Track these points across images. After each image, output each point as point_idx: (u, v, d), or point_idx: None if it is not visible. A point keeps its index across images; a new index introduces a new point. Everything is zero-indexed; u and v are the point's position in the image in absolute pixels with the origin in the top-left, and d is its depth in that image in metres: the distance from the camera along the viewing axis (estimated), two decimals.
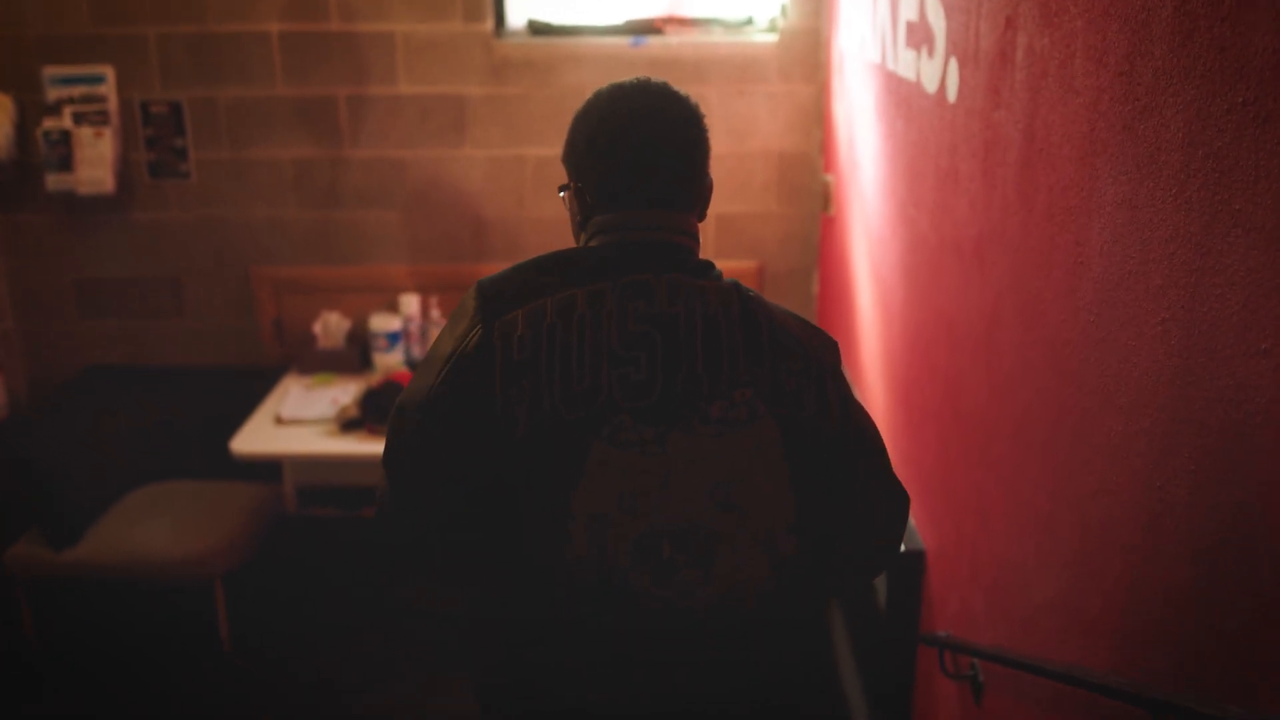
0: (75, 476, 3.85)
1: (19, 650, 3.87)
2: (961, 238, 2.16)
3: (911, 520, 2.62)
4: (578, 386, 1.37)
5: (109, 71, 4.04)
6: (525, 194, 4.18)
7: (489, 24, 4.00)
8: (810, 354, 1.46)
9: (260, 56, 4.04)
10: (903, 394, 2.74)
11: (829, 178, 3.88)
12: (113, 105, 4.06)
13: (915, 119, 2.55)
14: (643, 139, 1.48)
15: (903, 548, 2.51)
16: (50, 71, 4.03)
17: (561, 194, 1.60)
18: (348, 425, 3.74)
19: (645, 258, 1.46)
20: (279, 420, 3.82)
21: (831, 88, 3.82)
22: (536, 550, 1.41)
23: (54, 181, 4.07)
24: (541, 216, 4.19)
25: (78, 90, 4.04)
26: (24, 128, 4.09)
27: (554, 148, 4.10)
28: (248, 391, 4.12)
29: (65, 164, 4.05)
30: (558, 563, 1.40)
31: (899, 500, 1.59)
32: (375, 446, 3.66)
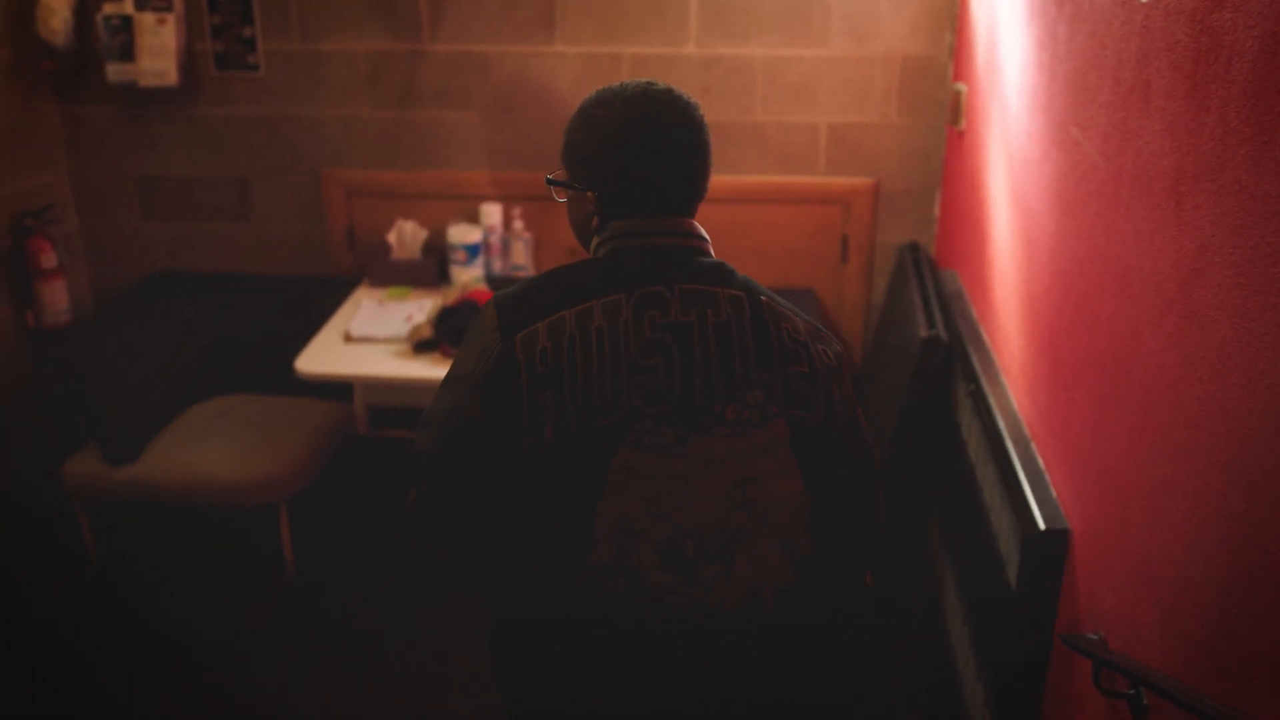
0: (135, 390, 3.64)
1: (79, 567, 3.72)
2: (1150, 170, 1.76)
3: (1052, 490, 2.26)
4: (599, 396, 1.42)
5: None
6: None
7: None
8: (817, 359, 1.52)
9: None
10: (1047, 342, 2.36)
11: (961, 87, 3.44)
12: None
13: (1086, 20, 2.12)
14: (661, 152, 1.53)
15: (1041, 525, 2.16)
16: None
17: (552, 187, 1.62)
18: (420, 346, 3.46)
19: (660, 265, 1.51)
20: (348, 338, 3.55)
21: None
22: (562, 555, 1.45)
23: (115, 72, 3.79)
24: None
25: None
26: (83, 13, 3.81)
27: (653, 45, 3.71)
28: (318, 302, 3.86)
29: (126, 53, 3.77)
30: (581, 568, 1.44)
31: (878, 510, 1.63)
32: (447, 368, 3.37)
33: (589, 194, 1.55)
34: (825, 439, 1.51)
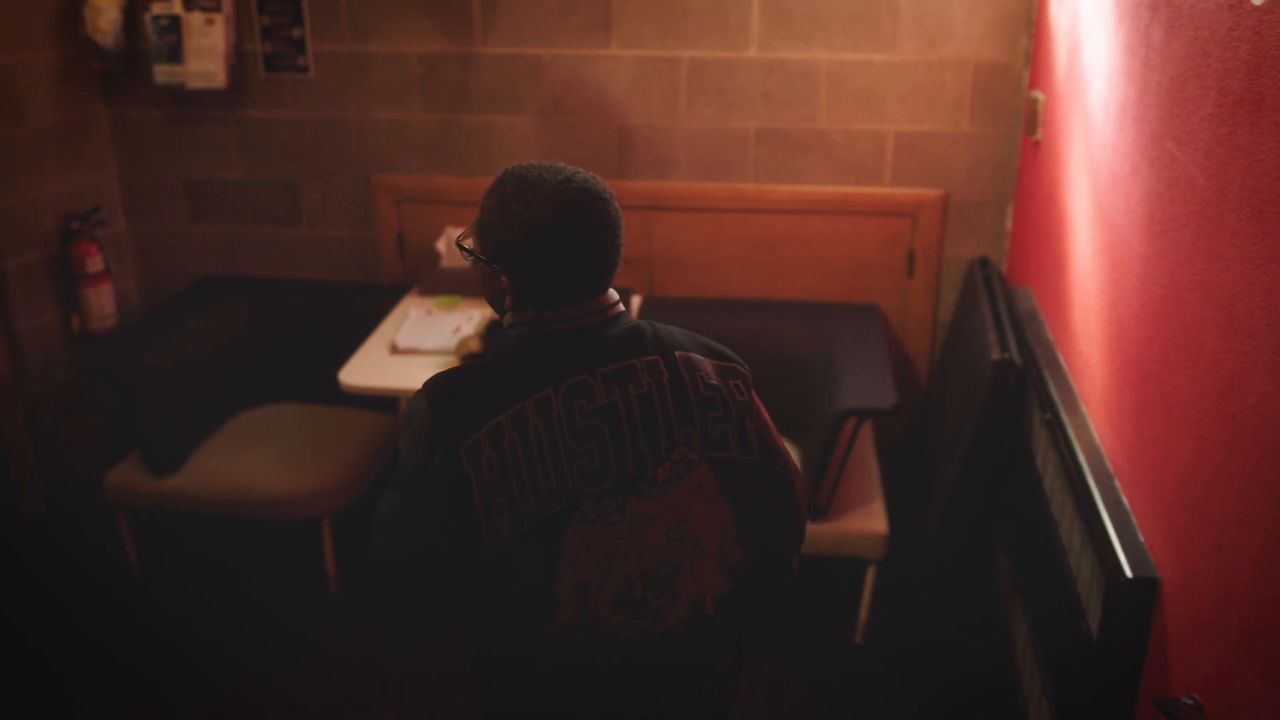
0: (179, 399, 3.56)
1: (121, 577, 3.65)
2: (1262, 190, 1.59)
3: (1139, 534, 2.09)
4: (546, 487, 1.55)
5: None
6: (678, 101, 3.66)
7: None
8: (729, 399, 1.67)
9: None
10: (1136, 373, 2.18)
11: (1038, 95, 3.26)
12: None
13: (1185, 25, 1.95)
14: (579, 249, 1.57)
15: (1128, 572, 1.99)
16: None
17: (467, 257, 1.64)
18: (469, 359, 3.35)
19: (580, 350, 1.60)
20: (394, 349, 3.44)
21: None
22: (527, 619, 1.60)
23: (162, 74, 3.72)
24: (696, 128, 3.67)
25: None
26: (132, 13, 3.74)
27: (714, 49, 3.57)
28: (366, 310, 3.76)
29: (175, 54, 3.69)
30: (545, 630, 1.60)
31: (796, 504, 1.81)
32: None
33: (504, 278, 1.59)
34: (742, 467, 1.68)
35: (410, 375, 3.30)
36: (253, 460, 3.51)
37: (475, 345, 3.34)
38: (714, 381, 1.66)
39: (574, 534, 1.56)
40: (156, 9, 3.67)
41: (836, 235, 3.73)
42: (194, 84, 3.71)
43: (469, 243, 1.65)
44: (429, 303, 3.78)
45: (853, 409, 3.08)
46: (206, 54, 3.68)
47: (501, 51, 3.68)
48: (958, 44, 3.46)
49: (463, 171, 3.83)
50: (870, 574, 3.29)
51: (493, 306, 1.67)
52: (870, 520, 3.23)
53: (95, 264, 3.81)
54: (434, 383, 1.60)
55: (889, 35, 3.48)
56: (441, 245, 3.84)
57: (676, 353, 1.65)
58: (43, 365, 3.85)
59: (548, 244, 1.54)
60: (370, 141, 3.85)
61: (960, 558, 3.26)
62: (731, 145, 3.69)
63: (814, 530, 3.17)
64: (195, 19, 3.66)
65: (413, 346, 3.43)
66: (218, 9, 3.66)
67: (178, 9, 3.66)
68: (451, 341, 3.43)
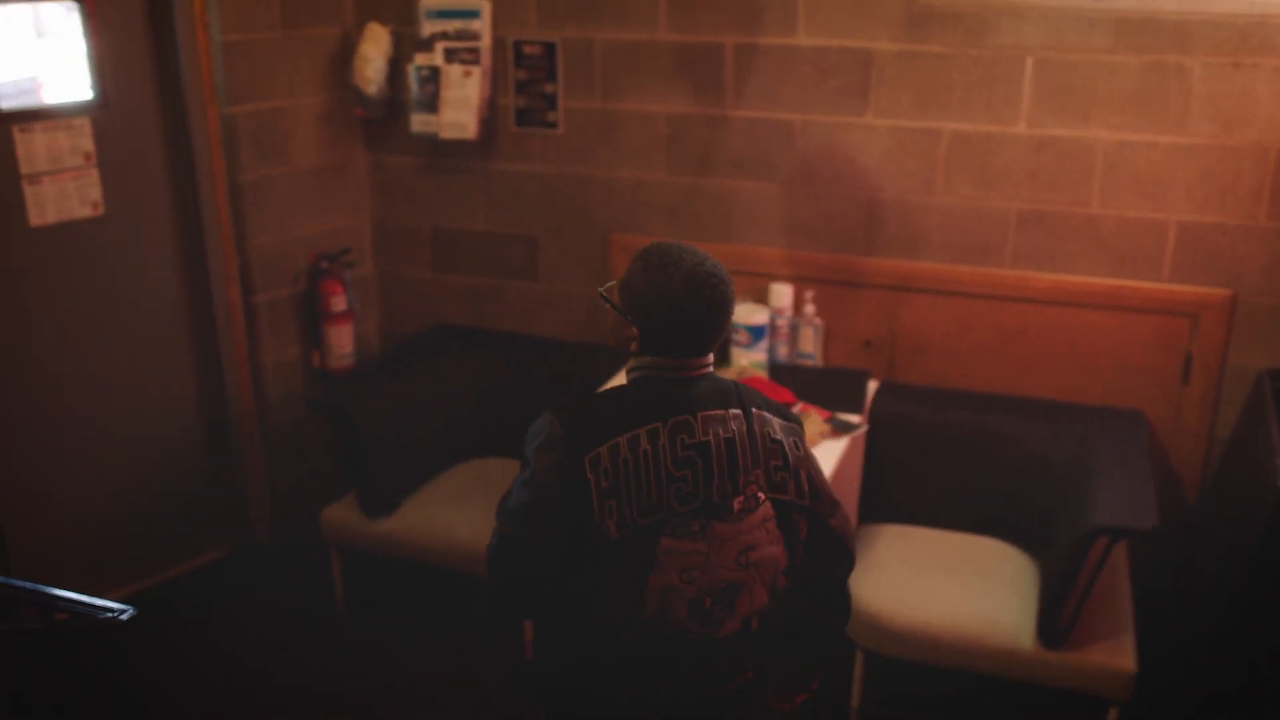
0: (402, 443, 3.58)
1: (327, 614, 3.68)
2: None
3: None
4: (647, 500, 1.90)
5: (485, 5, 3.68)
6: (935, 176, 3.42)
7: None
8: (789, 452, 2.02)
9: None
10: None
11: None
12: (485, 43, 3.71)
13: None
14: (701, 320, 1.92)
15: None
16: (427, 3, 3.74)
17: (607, 303, 2.01)
18: None
19: (686, 396, 1.95)
20: None
21: None
22: (618, 612, 1.92)
23: (418, 122, 3.80)
24: (951, 205, 3.43)
25: (452, 25, 3.72)
26: (397, 63, 3.84)
27: (977, 122, 3.33)
28: (592, 371, 3.68)
29: (433, 104, 3.76)
30: (635, 620, 1.92)
31: (843, 539, 2.13)
32: None
33: (633, 328, 1.95)
34: (797, 509, 2.04)
35: None
36: (464, 512, 3.47)
37: None
38: (778, 436, 2.02)
39: (665, 545, 1.91)
40: (420, 59, 3.75)
41: (1101, 332, 3.38)
42: (446, 134, 3.76)
43: (613, 296, 2.00)
44: None
45: (1106, 526, 2.74)
46: (461, 105, 3.72)
47: (751, 115, 3.55)
48: (1259, 128, 3.09)
49: (701, 236, 3.71)
50: (1111, 718, 2.91)
51: (615, 347, 2.05)
52: (1117, 655, 2.85)
53: (339, 304, 3.90)
54: (565, 404, 1.98)
55: (1178, 116, 3.14)
56: None
57: (753, 409, 2.01)
58: (282, 398, 3.96)
59: (675, 313, 1.92)
60: (612, 200, 3.80)
61: (1222, 713, 2.84)
62: (989, 226, 3.41)
63: (1052, 659, 2.84)
64: (454, 71, 3.71)
65: None
66: (476, 62, 3.70)
67: (439, 60, 3.73)
68: None
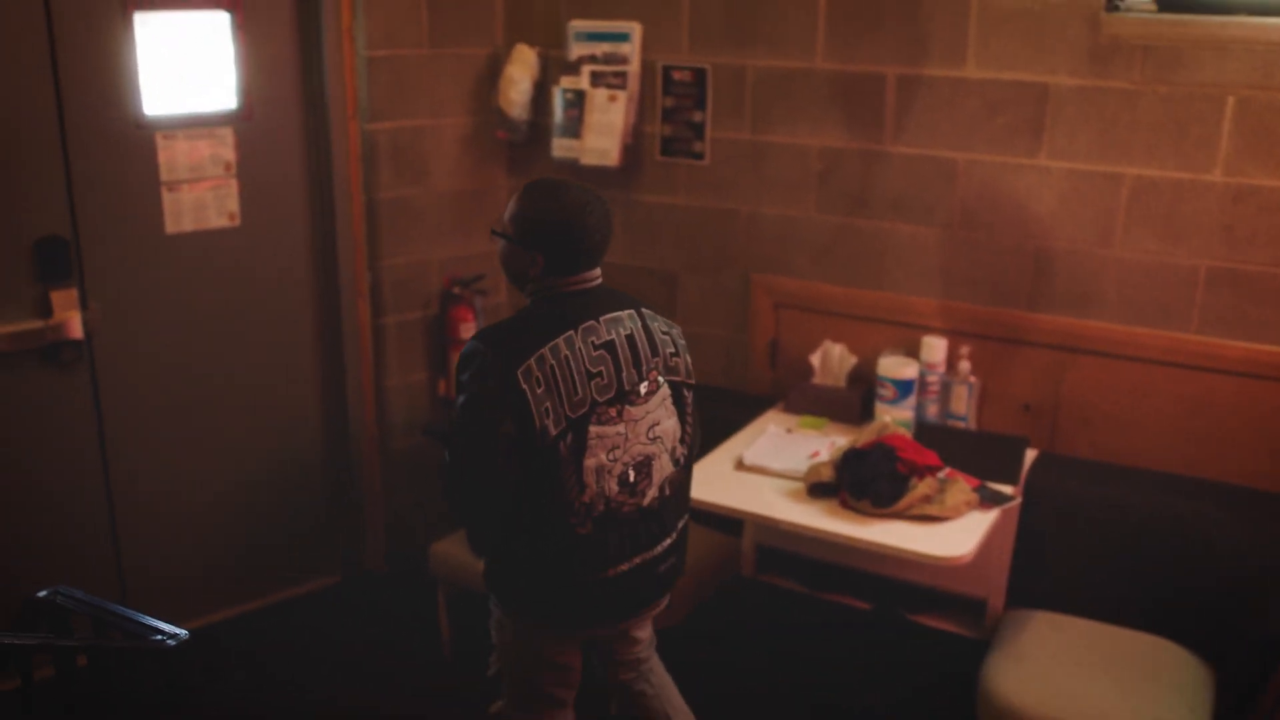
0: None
1: (432, 652, 3.52)
2: None
3: None
4: (575, 396, 2.26)
5: (635, 28, 3.52)
6: (1113, 226, 3.09)
7: None
8: (675, 341, 2.45)
9: (802, 17, 3.32)
10: None
11: None
12: (634, 68, 3.55)
13: None
14: (600, 234, 2.33)
15: None
16: (577, 25, 3.61)
17: (505, 239, 2.36)
18: (816, 489, 2.93)
19: (588, 304, 2.34)
20: (739, 464, 3.10)
21: None
22: (565, 496, 2.27)
23: (560, 147, 3.67)
24: (1131, 260, 3.08)
25: (601, 48, 3.58)
26: (543, 86, 3.72)
27: (1165, 168, 2.99)
28: (727, 418, 3.44)
29: (575, 130, 3.62)
30: (579, 502, 2.28)
31: (696, 415, 2.54)
32: (845, 524, 2.82)
33: (535, 255, 2.29)
34: (687, 388, 2.44)
35: (749, 496, 2.95)
36: None
37: (827, 474, 2.93)
38: (665, 329, 2.43)
39: (594, 431, 2.26)
40: (565, 83, 3.62)
41: None
42: (587, 160, 3.61)
43: (502, 228, 2.34)
44: (792, 420, 3.40)
45: None
46: (604, 131, 3.57)
47: (911, 152, 3.28)
48: None
49: (849, 281, 3.44)
50: None
51: (512, 281, 2.40)
52: None
53: (468, 330, 3.78)
54: (487, 332, 2.29)
55: None
56: (816, 359, 3.46)
57: (642, 308, 2.41)
58: (405, 424, 3.86)
59: (574, 230, 2.27)
60: (756, 238, 3.57)
61: None
62: (1174, 285, 3.05)
63: None
64: (599, 95, 3.56)
65: (759, 464, 3.07)
66: (623, 87, 3.55)
67: (584, 84, 3.58)
68: (803, 466, 3.04)
